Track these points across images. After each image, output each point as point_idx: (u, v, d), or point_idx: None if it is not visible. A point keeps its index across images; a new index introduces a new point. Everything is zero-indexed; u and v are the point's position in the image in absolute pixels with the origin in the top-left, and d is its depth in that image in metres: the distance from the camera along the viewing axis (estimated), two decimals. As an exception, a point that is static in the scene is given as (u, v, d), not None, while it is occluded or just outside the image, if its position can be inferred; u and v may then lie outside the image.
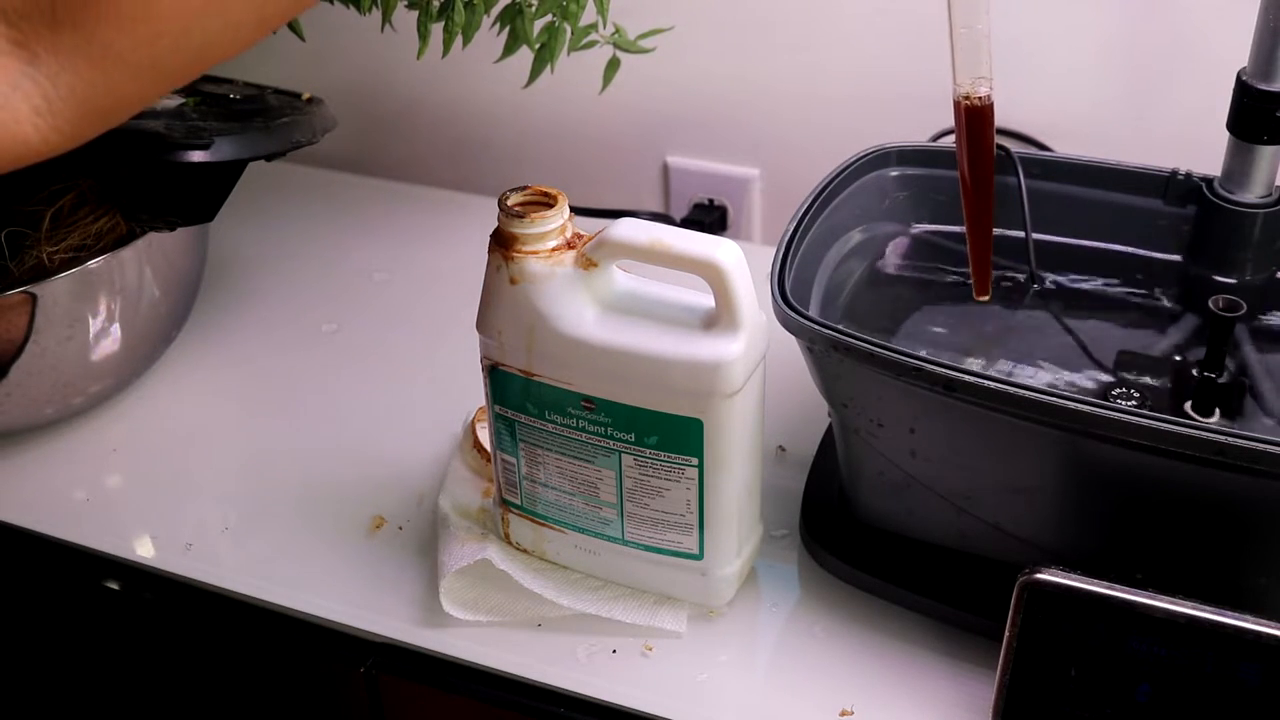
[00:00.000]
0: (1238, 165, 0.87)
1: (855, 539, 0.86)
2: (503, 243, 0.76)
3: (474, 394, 0.85)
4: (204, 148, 0.89)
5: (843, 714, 0.78)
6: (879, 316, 0.89)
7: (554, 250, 0.76)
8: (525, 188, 0.76)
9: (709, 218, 1.29)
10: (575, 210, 0.77)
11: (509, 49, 1.04)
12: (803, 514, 0.89)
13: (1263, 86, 0.83)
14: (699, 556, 0.81)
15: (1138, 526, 0.75)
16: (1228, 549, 0.73)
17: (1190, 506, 0.73)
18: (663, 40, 1.08)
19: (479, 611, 0.84)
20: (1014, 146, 0.93)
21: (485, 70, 1.06)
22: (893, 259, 0.92)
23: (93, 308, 0.95)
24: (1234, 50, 0.86)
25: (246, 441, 1.01)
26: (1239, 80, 0.85)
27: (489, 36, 1.03)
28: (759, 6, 1.20)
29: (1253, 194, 0.87)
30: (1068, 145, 1.13)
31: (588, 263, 0.75)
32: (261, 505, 0.95)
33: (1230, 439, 0.67)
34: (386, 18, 1.01)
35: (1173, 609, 0.69)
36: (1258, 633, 0.67)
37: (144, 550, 0.92)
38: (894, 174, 0.93)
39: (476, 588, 0.85)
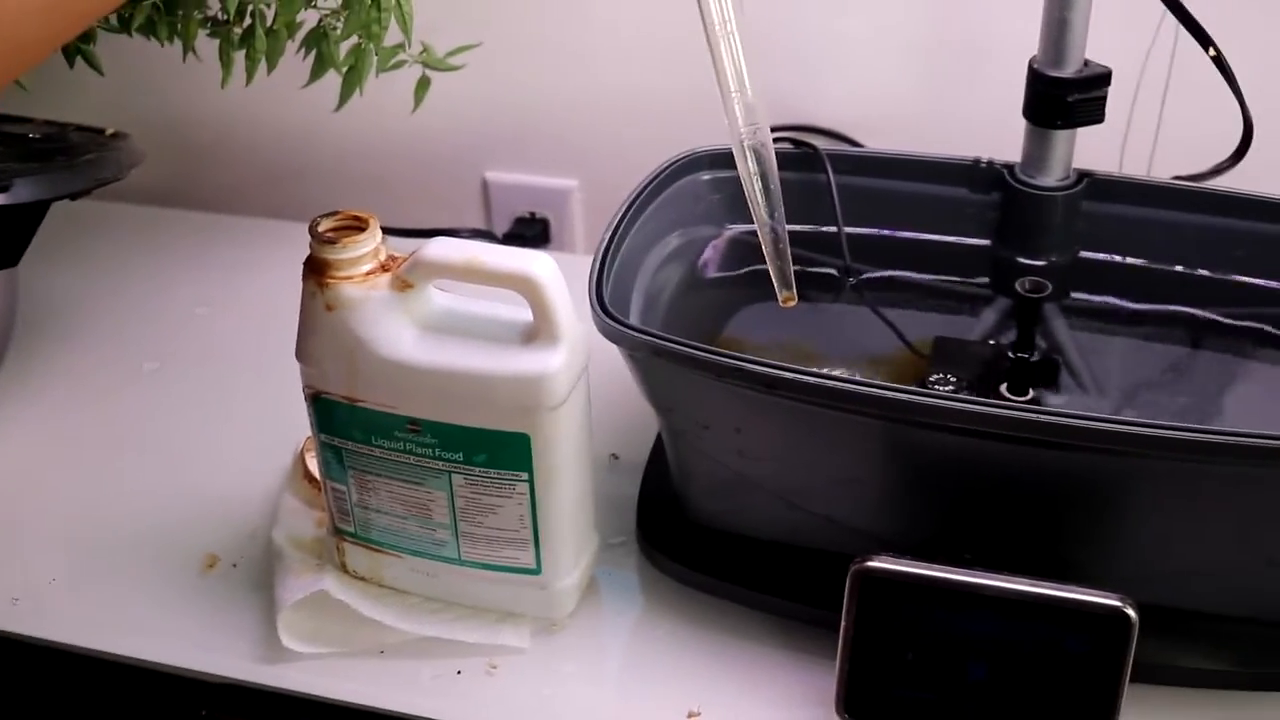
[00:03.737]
0: (1036, 150, 0.90)
1: (692, 541, 0.86)
2: (316, 269, 0.75)
3: (302, 424, 0.84)
4: (2, 190, 0.87)
5: (690, 715, 0.78)
6: (701, 319, 0.90)
7: (368, 274, 0.75)
8: (336, 212, 0.76)
9: (531, 231, 1.29)
10: (397, 231, 0.77)
11: (316, 73, 1.03)
12: (639, 520, 0.89)
13: (1053, 73, 0.86)
14: (537, 571, 0.81)
15: (964, 508, 0.76)
16: (1049, 524, 0.75)
17: (1011, 485, 0.74)
18: (474, 57, 1.07)
19: (319, 643, 0.82)
20: (822, 143, 0.94)
21: (295, 95, 1.05)
22: (711, 262, 0.93)
23: (-104, 362, 0.92)
24: (1027, 40, 0.89)
25: (71, 488, 0.98)
26: (1031, 68, 0.87)
27: (296, 61, 1.02)
28: (563, 21, 1.20)
29: (1052, 178, 0.90)
30: (876, 140, 1.15)
31: (403, 285, 0.75)
32: (90, 552, 0.92)
33: (1041, 416, 0.69)
34: (188, 47, 0.99)
35: (1001, 585, 0.71)
36: (1079, 601, 0.69)
37: (-33, 608, 0.89)
38: (706, 177, 0.94)
39: (315, 619, 0.83)
